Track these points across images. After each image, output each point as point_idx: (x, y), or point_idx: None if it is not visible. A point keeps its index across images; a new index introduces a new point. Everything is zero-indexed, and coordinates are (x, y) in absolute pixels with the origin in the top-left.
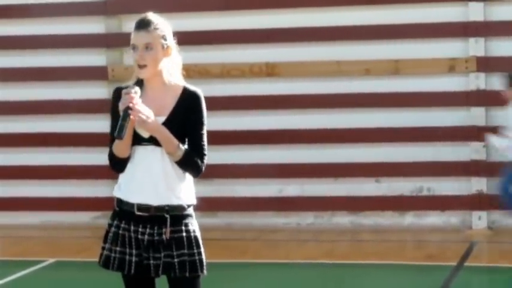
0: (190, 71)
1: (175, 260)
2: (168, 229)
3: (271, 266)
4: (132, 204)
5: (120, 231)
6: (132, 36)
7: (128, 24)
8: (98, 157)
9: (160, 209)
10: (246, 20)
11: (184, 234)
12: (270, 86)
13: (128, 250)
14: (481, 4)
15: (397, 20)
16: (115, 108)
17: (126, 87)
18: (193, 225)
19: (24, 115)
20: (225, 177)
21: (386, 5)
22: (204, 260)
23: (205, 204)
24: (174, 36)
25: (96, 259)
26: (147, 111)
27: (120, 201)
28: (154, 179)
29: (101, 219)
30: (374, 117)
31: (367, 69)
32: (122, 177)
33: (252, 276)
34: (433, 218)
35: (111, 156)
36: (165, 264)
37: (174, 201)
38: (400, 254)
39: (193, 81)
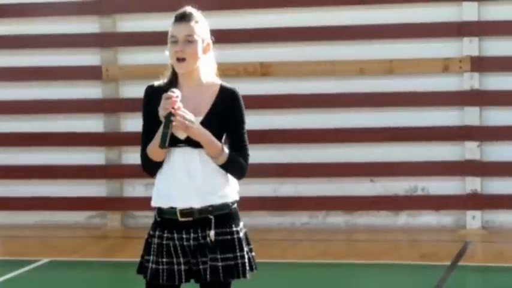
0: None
1: (220, 263)
2: (213, 231)
3: (266, 265)
4: (174, 211)
5: (164, 242)
6: (172, 28)
7: (122, 23)
8: (93, 157)
9: (203, 211)
10: (241, 20)
11: (229, 236)
12: (264, 85)
13: (175, 260)
14: (475, 4)
15: (391, 19)
16: (148, 108)
17: (158, 86)
18: (238, 225)
19: (18, 115)
20: None
21: (380, 4)
22: (247, 263)
23: None
24: (211, 34)
25: (91, 258)
26: (190, 116)
27: (160, 210)
28: (195, 181)
29: (96, 218)
30: (368, 116)
31: (362, 69)
32: (159, 183)
33: None
34: (428, 218)
35: (145, 159)
36: (212, 268)
37: (218, 201)
38: (395, 254)
39: None
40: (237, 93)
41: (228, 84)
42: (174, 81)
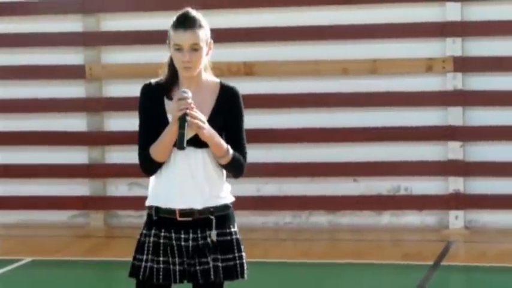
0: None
1: (221, 264)
2: (214, 232)
3: (249, 265)
4: (173, 211)
5: (162, 241)
6: (176, 35)
7: (106, 22)
8: (76, 156)
9: (204, 211)
10: (224, 20)
11: (228, 237)
12: (247, 85)
13: (171, 259)
14: (459, 4)
15: (374, 19)
16: (146, 106)
17: (157, 84)
18: (235, 226)
19: (1, 113)
20: None
21: (364, 4)
22: (245, 264)
23: None
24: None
25: (74, 258)
26: (202, 116)
27: (157, 209)
28: (197, 182)
29: (79, 218)
30: (352, 116)
31: (345, 68)
32: (158, 182)
33: None
34: (411, 218)
35: (147, 160)
36: (215, 269)
37: (219, 202)
38: (378, 254)
39: None
40: (238, 92)
41: (227, 82)
42: (173, 80)
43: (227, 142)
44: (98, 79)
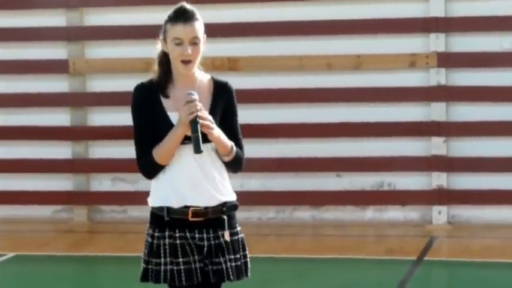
0: (151, 65)
1: (233, 264)
2: (228, 231)
3: None
4: (186, 211)
5: (178, 242)
6: (175, 29)
7: (90, 17)
8: (59, 151)
9: (217, 210)
10: (208, 14)
11: (236, 237)
12: (232, 80)
13: (192, 258)
14: (442, 0)
15: (358, 15)
16: (142, 108)
17: (150, 84)
18: (238, 225)
19: None
20: None
21: (348, 0)
22: (249, 263)
23: None
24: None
25: (57, 252)
26: (210, 117)
27: (169, 210)
28: (208, 178)
29: (62, 213)
30: (335, 111)
31: (329, 64)
32: (166, 182)
33: None
34: (394, 213)
35: (150, 163)
36: (228, 269)
37: (231, 197)
38: (361, 249)
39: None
40: (232, 87)
41: (219, 77)
42: (167, 77)
43: (228, 138)
44: (82, 74)
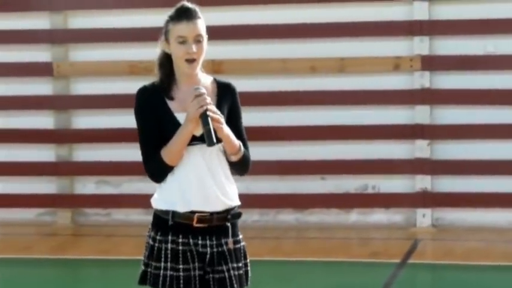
0: (135, 68)
1: (236, 272)
2: (231, 239)
3: None
4: (191, 216)
5: (180, 247)
6: (178, 27)
7: (74, 20)
8: (43, 153)
9: (222, 218)
10: None
11: (239, 245)
12: None
13: (192, 265)
14: (426, 3)
15: (342, 18)
16: (146, 109)
17: (153, 87)
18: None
19: None
20: None
21: (332, 3)
22: (250, 271)
23: (150, 202)
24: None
25: (40, 256)
26: (219, 112)
27: (174, 214)
28: (216, 180)
29: (46, 215)
30: (319, 114)
31: (313, 67)
32: (173, 185)
33: None
34: (378, 216)
35: (159, 165)
36: (230, 278)
37: (234, 203)
38: (345, 251)
39: (138, 78)
40: (234, 87)
41: (222, 78)
42: (170, 79)
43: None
44: (66, 77)
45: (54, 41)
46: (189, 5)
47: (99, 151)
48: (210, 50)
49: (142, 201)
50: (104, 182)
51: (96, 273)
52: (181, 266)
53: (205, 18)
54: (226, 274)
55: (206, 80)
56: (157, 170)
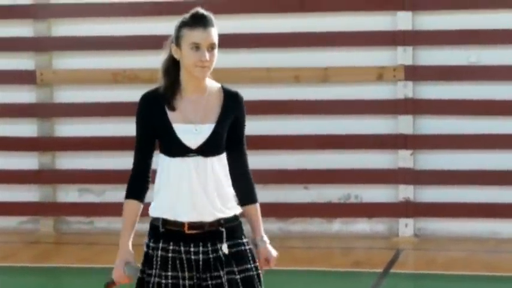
0: (119, 76)
1: (238, 276)
2: (226, 244)
3: None
4: (181, 223)
5: (170, 254)
6: (193, 33)
7: (57, 28)
8: (26, 161)
9: (214, 223)
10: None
11: (242, 247)
12: None
13: (180, 274)
14: (410, 13)
15: (326, 27)
16: (143, 117)
17: (156, 93)
18: (246, 236)
19: None
20: (152, 183)
21: (316, 12)
22: (261, 275)
23: None
24: None
25: (22, 264)
26: (274, 251)
27: (165, 221)
28: (208, 193)
29: (28, 224)
30: (303, 124)
31: (297, 76)
32: (165, 193)
33: None
34: (361, 225)
35: (132, 182)
36: (230, 281)
37: (228, 213)
38: (328, 261)
39: (122, 86)
40: (241, 97)
41: (229, 87)
42: (174, 87)
43: (230, 145)
44: (49, 85)
45: (38, 48)
46: (204, 11)
47: (82, 159)
48: None
49: None
50: (87, 190)
51: (79, 282)
52: (170, 273)
53: None
54: (223, 279)
55: (213, 88)
56: (130, 183)
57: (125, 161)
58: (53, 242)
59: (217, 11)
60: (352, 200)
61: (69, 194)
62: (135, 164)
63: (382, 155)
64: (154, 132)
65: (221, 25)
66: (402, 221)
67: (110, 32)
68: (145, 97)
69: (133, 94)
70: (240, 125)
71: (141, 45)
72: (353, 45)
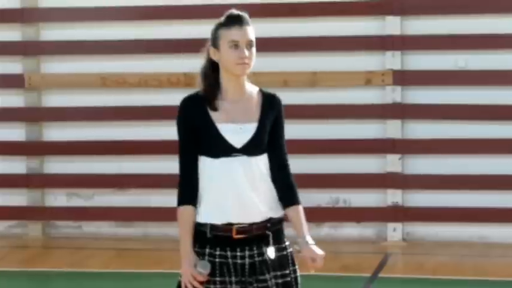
0: (107, 80)
1: (280, 280)
2: (272, 248)
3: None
4: (230, 229)
5: (217, 260)
6: (231, 32)
7: (46, 32)
8: (14, 165)
9: (261, 227)
10: (164, 30)
11: (284, 252)
12: None
13: (228, 279)
14: (398, 18)
15: (315, 32)
16: (186, 120)
17: (196, 97)
18: (286, 239)
19: None
20: (140, 187)
21: (304, 17)
22: (299, 277)
23: (121, 215)
24: None
25: (11, 268)
26: (319, 251)
27: (212, 227)
28: (257, 194)
29: (16, 228)
30: (291, 128)
31: (285, 80)
32: (209, 196)
33: (169, 287)
34: (349, 230)
35: (181, 190)
36: (276, 285)
37: (274, 215)
38: None
39: (110, 90)
40: (280, 99)
41: (267, 89)
42: (214, 89)
43: (270, 148)
44: (37, 89)
45: (26, 52)
46: (240, 12)
47: (71, 163)
48: (181, 63)
49: (113, 214)
50: (75, 194)
51: (67, 286)
52: (217, 279)
53: (177, 32)
54: (269, 283)
55: (252, 91)
56: (180, 190)
57: (113, 165)
58: (41, 246)
59: (207, 15)
60: (341, 205)
61: (58, 198)
62: (182, 168)
63: (370, 159)
64: (197, 134)
65: (209, 30)
66: (390, 226)
67: (98, 36)
68: (186, 99)
69: (122, 98)
70: (279, 125)
71: (129, 49)
72: (341, 49)
